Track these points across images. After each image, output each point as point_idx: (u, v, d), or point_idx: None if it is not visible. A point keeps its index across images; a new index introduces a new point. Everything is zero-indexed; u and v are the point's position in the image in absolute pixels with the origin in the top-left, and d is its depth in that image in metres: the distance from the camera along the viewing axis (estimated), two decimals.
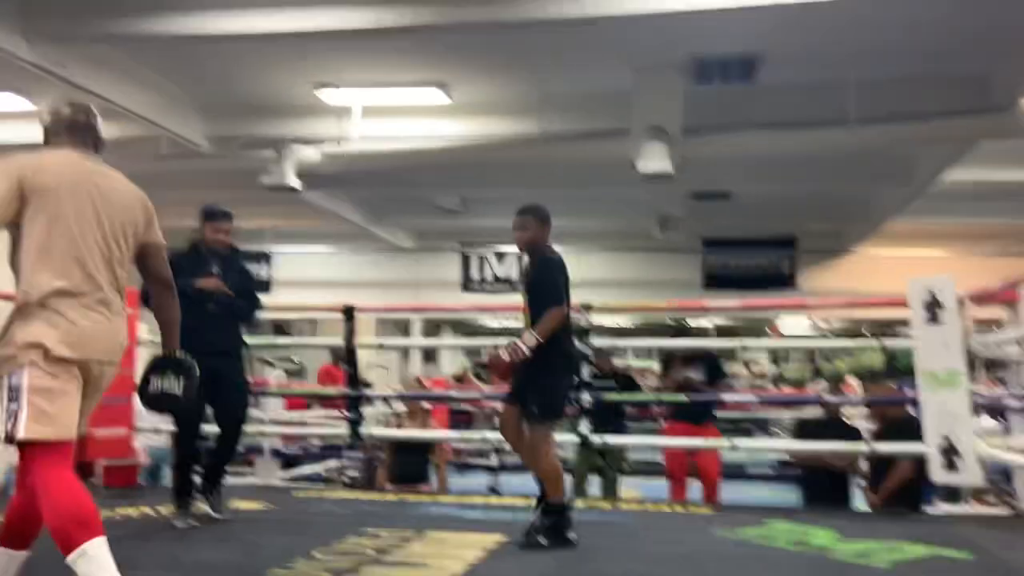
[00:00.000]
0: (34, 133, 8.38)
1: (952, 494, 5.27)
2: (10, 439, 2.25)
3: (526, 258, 3.86)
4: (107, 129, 8.68)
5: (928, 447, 4.32)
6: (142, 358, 5.20)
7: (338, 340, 5.56)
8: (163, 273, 2.71)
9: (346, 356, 5.45)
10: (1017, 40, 5.88)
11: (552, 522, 3.50)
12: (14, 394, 2.25)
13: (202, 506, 4.02)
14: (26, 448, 2.26)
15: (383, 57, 6.75)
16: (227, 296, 4.01)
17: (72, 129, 2.58)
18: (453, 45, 6.39)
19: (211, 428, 4.18)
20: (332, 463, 7.60)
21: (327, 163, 7.89)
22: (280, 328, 16.09)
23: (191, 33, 5.83)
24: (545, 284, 3.65)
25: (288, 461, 7.21)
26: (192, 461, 4.06)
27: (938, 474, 4.35)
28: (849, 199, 10.28)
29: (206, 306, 3.91)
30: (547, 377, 3.56)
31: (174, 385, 2.73)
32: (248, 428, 5.98)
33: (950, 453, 4.30)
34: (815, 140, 6.85)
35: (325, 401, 7.31)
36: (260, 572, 2.94)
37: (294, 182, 7.83)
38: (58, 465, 2.25)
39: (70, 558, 2.15)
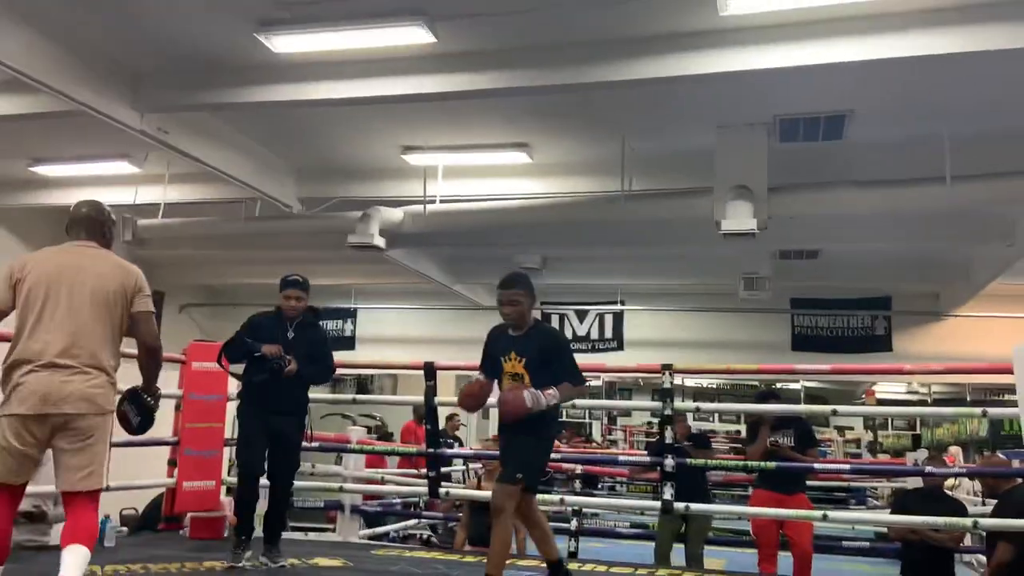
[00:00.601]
0: (140, 196, 8.87)
1: None
2: None
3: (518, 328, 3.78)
4: (206, 191, 9.18)
5: None
6: (230, 411, 5.37)
7: (418, 397, 5.59)
8: (145, 339, 3.18)
9: (426, 414, 5.47)
10: None
11: None
12: None
13: (262, 558, 4.30)
14: None
15: (466, 120, 6.93)
16: (282, 361, 4.26)
17: (79, 222, 3.23)
18: (535, 107, 6.51)
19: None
20: (412, 522, 7.58)
21: (410, 223, 8.09)
22: (362, 385, 16.40)
23: (284, 100, 6.12)
24: (564, 355, 3.74)
25: (369, 519, 7.21)
26: (249, 509, 4.36)
27: None
28: (947, 259, 9.85)
29: (271, 366, 4.25)
30: (544, 441, 3.71)
31: (131, 412, 3.29)
32: (330, 484, 6.08)
33: None
34: (908, 197, 6.63)
35: (405, 460, 7.32)
36: None
37: (379, 241, 8.04)
38: None
39: None
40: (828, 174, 6.89)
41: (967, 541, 5.73)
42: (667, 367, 4.88)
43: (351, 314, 13.46)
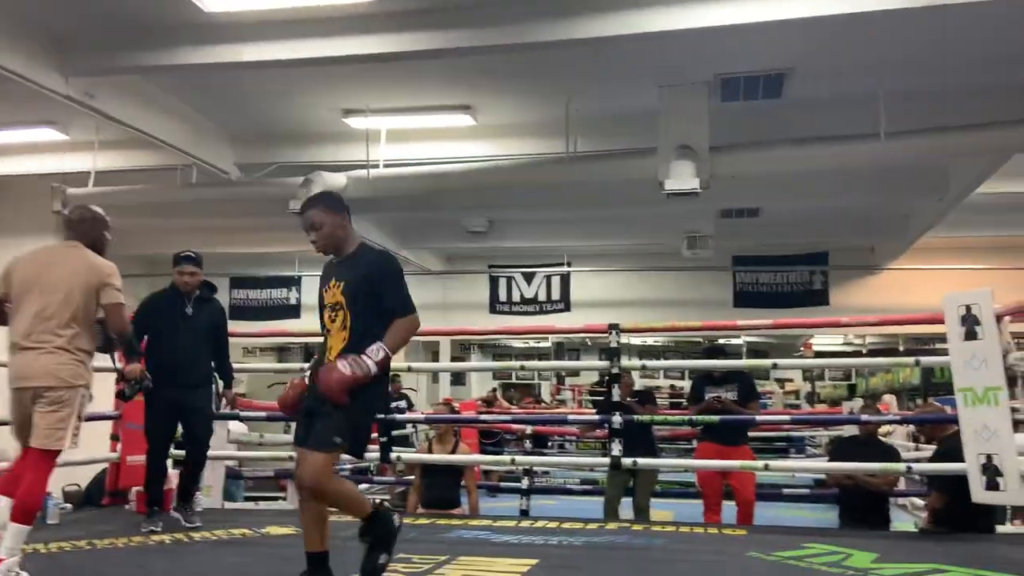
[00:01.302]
0: (68, 164, 8.55)
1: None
2: None
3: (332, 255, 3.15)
4: (138, 158, 8.86)
5: (968, 466, 4.20)
6: None
7: None
8: (116, 326, 3.64)
9: None
10: None
11: (379, 532, 3.03)
12: None
13: (174, 513, 4.59)
14: None
15: (408, 82, 6.82)
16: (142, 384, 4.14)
17: (66, 225, 3.80)
18: (478, 68, 6.43)
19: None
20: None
21: (354, 188, 7.95)
22: (309, 353, 16.25)
23: (218, 62, 5.92)
24: (395, 282, 3.00)
25: None
26: (157, 482, 4.64)
27: (979, 494, 4.22)
28: (882, 214, 10.14)
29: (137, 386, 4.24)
30: (372, 402, 2.99)
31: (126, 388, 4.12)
32: (281, 453, 6.04)
33: (991, 472, 4.18)
34: (845, 154, 6.77)
35: None
36: None
37: None
38: None
39: None
40: (768, 133, 6.99)
41: (901, 485, 6.00)
42: (613, 327, 4.94)
43: (295, 282, 13.28)
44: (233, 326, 5.37)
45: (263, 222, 9.67)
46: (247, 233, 10.83)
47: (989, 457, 4.13)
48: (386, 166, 7.84)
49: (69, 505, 5.36)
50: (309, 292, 13.33)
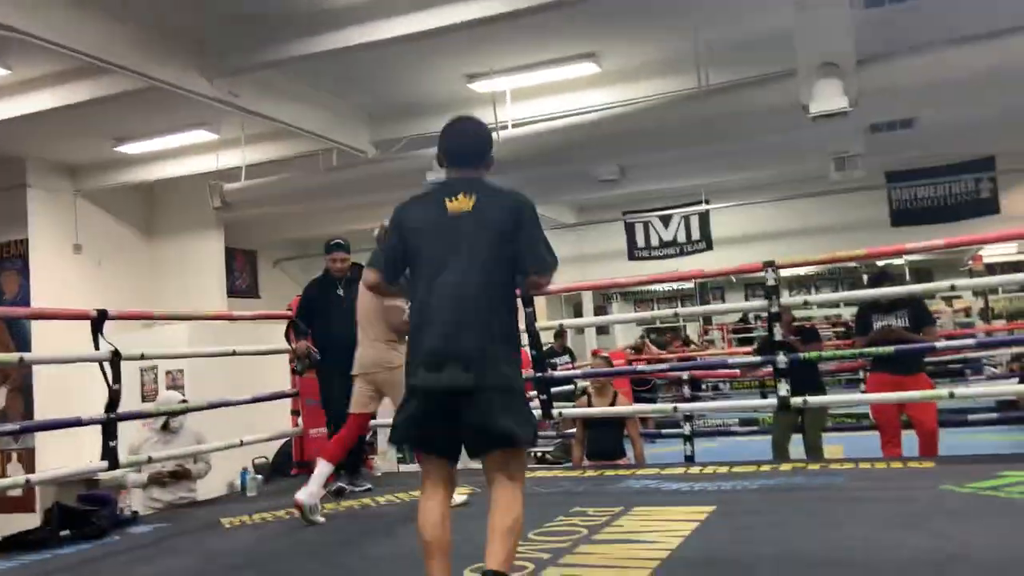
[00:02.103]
0: (222, 162, 9.04)
1: None
2: None
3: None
4: (282, 149, 9.30)
5: None
6: None
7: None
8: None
9: (530, 340, 5.52)
10: None
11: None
12: None
13: (340, 484, 4.84)
14: None
15: (529, 38, 6.75)
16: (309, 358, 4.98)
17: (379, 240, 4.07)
18: (599, 12, 6.26)
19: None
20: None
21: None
22: None
23: (347, 46, 6.08)
24: None
25: None
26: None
27: None
28: None
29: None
30: None
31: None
32: None
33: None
34: (1011, 49, 6.12)
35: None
36: (480, 556, 3.05)
37: None
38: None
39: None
40: (921, 36, 6.40)
41: None
42: (769, 264, 4.74)
43: None
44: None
45: (403, 196, 9.86)
46: (389, 207, 11.10)
47: None
48: (514, 126, 7.84)
49: (260, 476, 5.82)
50: None
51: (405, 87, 7.89)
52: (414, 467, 6.91)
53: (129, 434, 5.15)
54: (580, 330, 14.60)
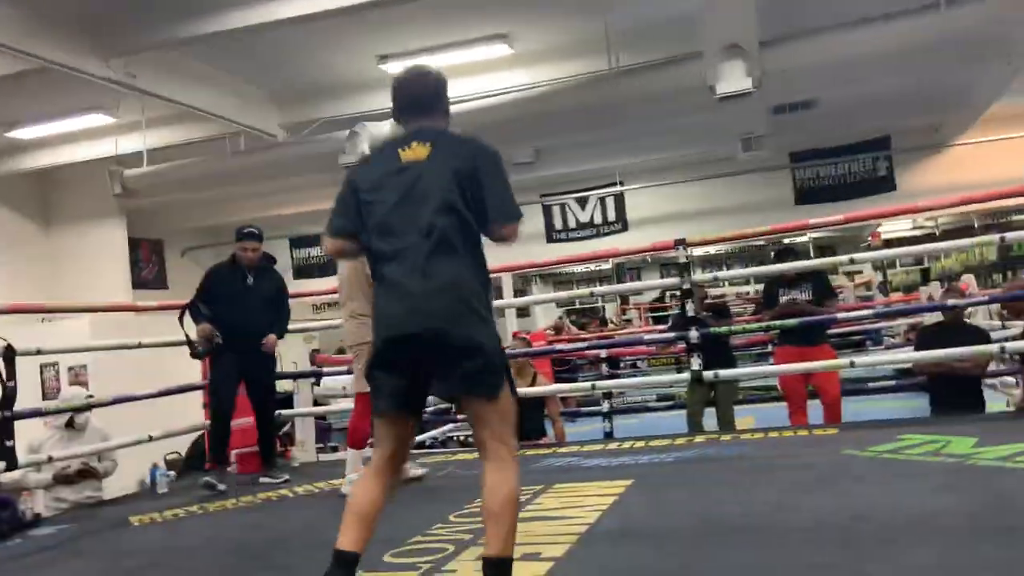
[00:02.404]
0: (121, 146, 8.68)
1: None
2: None
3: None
4: (187, 132, 8.99)
5: None
6: None
7: None
8: None
9: None
10: None
11: None
12: None
13: (262, 479, 4.83)
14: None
15: (441, 19, 6.69)
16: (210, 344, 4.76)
17: None
18: None
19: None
20: (448, 427, 7.78)
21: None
22: None
23: (250, 24, 5.90)
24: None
25: None
26: (222, 444, 4.89)
27: None
28: (945, 88, 9.63)
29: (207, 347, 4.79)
30: None
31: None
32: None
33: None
34: (904, 31, 6.42)
35: None
36: (404, 541, 3.03)
37: None
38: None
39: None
40: (820, 19, 6.64)
41: (991, 367, 5.84)
42: (680, 242, 4.85)
43: None
44: (299, 286, 5.51)
45: (315, 179, 9.71)
46: (301, 192, 10.90)
47: None
48: None
49: (173, 473, 5.63)
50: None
51: (315, 69, 7.72)
52: (334, 456, 6.84)
53: (32, 433, 4.91)
54: (501, 312, 14.63)
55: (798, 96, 9.04)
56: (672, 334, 5.66)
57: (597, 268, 17.72)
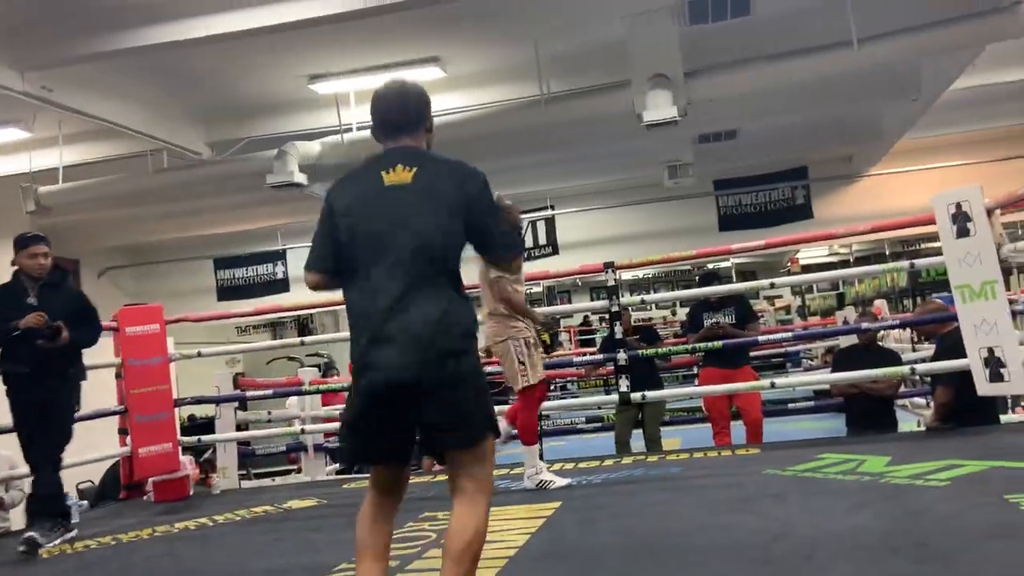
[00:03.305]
0: (36, 162, 8.38)
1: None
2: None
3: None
4: (106, 149, 8.67)
5: (971, 361, 4.27)
6: (175, 371, 5.28)
7: None
8: None
9: None
10: None
11: None
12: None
13: (28, 533, 3.97)
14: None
15: (372, 40, 6.66)
16: (50, 328, 3.92)
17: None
18: (443, 18, 6.28)
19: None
20: None
21: (330, 154, 7.84)
22: (303, 326, 16.22)
23: (174, 39, 5.75)
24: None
25: (334, 456, 7.30)
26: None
27: (983, 387, 4.30)
28: (858, 121, 10.09)
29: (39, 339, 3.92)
30: None
31: None
32: (290, 428, 6.09)
33: (994, 364, 4.25)
34: (819, 66, 6.68)
35: None
36: (330, 569, 2.97)
37: (300, 178, 7.78)
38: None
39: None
40: (741, 52, 6.88)
41: (902, 387, 6.09)
42: (608, 265, 4.94)
43: (280, 256, 13.16)
44: (224, 307, 5.36)
45: (241, 199, 9.53)
46: (225, 212, 10.68)
47: (991, 350, 4.21)
48: (359, 128, 7.71)
49: (85, 503, 5.39)
50: (296, 265, 13.24)
51: (243, 86, 7.58)
52: (256, 484, 6.66)
53: None
54: None
55: (721, 126, 9.33)
56: (601, 356, 5.73)
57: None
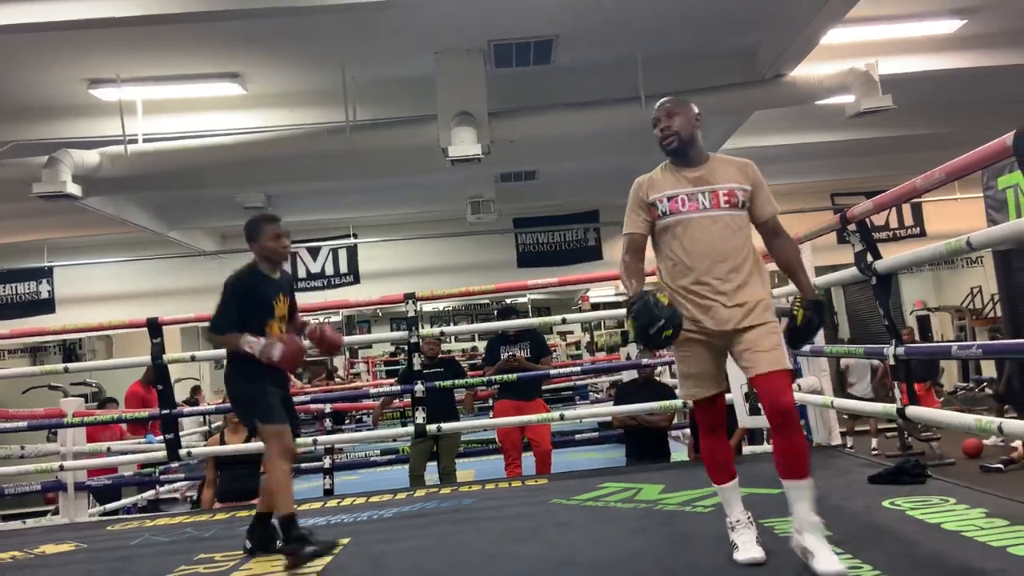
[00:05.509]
0: None
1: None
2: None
3: None
4: None
5: (733, 396, 4.69)
6: None
7: (145, 357, 5.15)
8: None
9: (155, 374, 5.07)
10: (777, 16, 6.46)
11: (296, 535, 3.15)
12: None
13: None
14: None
15: (164, 49, 6.28)
16: None
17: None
18: (246, 33, 6.06)
19: None
20: (150, 492, 7.12)
21: (110, 166, 7.24)
22: (70, 351, 14.72)
23: None
24: None
25: (100, 495, 6.65)
26: None
27: (745, 419, 4.74)
28: (640, 172, 10.87)
29: None
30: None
31: None
32: (46, 465, 5.46)
33: (753, 398, 4.70)
34: (610, 117, 7.16)
35: (135, 425, 6.83)
36: None
37: (72, 189, 7.11)
38: None
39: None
40: (542, 98, 7.23)
41: (676, 419, 6.57)
42: (409, 296, 4.93)
43: (46, 274, 11.94)
44: None
45: (5, 208, 8.57)
46: None
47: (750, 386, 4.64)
48: (146, 140, 7.21)
49: None
50: (62, 285, 12.05)
51: (15, 86, 6.83)
52: (3, 526, 5.92)
53: None
54: (219, 364, 13.76)
55: (522, 166, 9.71)
56: (398, 388, 5.68)
57: (327, 320, 17.38)
